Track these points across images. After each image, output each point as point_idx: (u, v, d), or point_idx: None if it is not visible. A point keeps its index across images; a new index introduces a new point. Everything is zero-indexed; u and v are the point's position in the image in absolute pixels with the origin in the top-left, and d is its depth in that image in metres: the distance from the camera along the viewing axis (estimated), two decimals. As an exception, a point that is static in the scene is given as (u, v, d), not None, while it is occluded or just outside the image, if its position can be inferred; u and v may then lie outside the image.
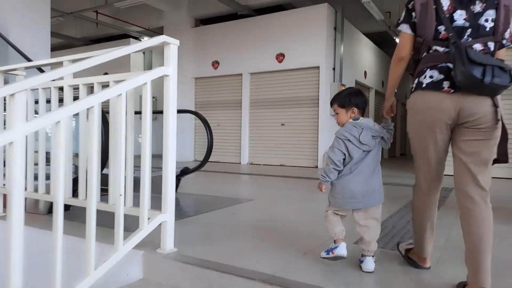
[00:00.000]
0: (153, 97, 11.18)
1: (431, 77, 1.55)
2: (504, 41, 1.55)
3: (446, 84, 1.51)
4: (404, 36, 1.65)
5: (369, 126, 1.76)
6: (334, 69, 8.69)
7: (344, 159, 1.77)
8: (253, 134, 9.31)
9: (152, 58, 11.98)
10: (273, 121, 9.00)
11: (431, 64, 1.56)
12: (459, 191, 1.56)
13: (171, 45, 1.94)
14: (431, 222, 1.72)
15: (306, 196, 4.28)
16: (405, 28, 1.64)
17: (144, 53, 11.83)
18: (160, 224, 1.94)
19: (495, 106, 1.48)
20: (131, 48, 1.93)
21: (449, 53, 1.49)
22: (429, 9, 1.55)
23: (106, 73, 9.87)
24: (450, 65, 1.49)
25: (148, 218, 1.90)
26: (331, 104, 1.88)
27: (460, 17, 1.52)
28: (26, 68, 2.90)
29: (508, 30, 1.55)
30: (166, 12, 9.98)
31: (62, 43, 12.50)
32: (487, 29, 1.51)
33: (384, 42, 11.55)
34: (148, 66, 11.88)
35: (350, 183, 1.76)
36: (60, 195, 1.43)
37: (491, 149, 1.51)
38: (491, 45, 1.53)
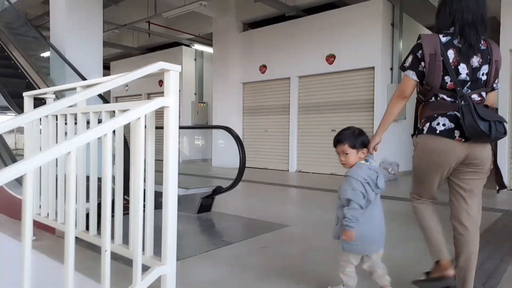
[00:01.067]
0: (203, 103, 11.22)
1: (443, 124, 1.74)
2: (495, 85, 1.82)
3: (457, 134, 1.72)
4: (409, 81, 1.81)
5: (380, 169, 1.79)
6: (391, 69, 7.93)
7: None
8: (302, 141, 8.88)
9: (203, 64, 12.12)
10: (323, 126, 8.48)
11: (441, 112, 1.76)
12: (455, 219, 1.84)
13: (171, 71, 1.69)
14: (438, 224, 1.88)
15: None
16: (411, 75, 1.80)
17: (195, 59, 12.02)
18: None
19: (493, 150, 1.80)
20: (133, 75, 1.74)
21: (455, 102, 1.72)
22: (437, 60, 1.71)
23: (161, 81, 10.10)
24: (458, 113, 1.70)
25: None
26: (338, 143, 1.82)
27: (463, 70, 1.73)
28: (55, 92, 2.88)
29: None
30: (214, 19, 9.96)
31: (120, 53, 13.23)
32: (482, 81, 1.77)
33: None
34: (199, 72, 12.04)
35: (368, 227, 1.73)
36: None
37: (482, 186, 1.84)
38: (484, 94, 1.80)
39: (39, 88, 6.17)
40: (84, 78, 5.57)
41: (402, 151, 8.46)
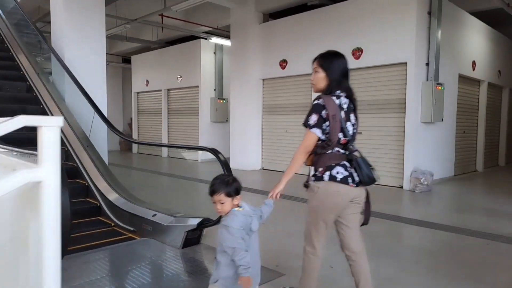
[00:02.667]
0: (223, 99, 10.61)
1: (341, 173, 2.07)
2: None
3: (350, 180, 2.09)
4: (314, 137, 2.09)
5: (255, 213, 1.90)
6: (427, 64, 6.92)
7: None
8: (324, 143, 8.08)
9: (223, 57, 11.52)
10: (348, 128, 7.63)
11: (336, 162, 2.09)
12: (347, 249, 2.21)
13: (44, 128, 1.09)
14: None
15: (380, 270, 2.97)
16: (318, 132, 2.08)
17: (215, 53, 11.44)
18: None
19: (366, 190, 2.23)
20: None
21: (345, 154, 2.11)
22: (337, 121, 2.05)
23: (180, 76, 9.51)
24: (347, 163, 2.09)
25: None
26: (214, 193, 1.84)
27: (350, 127, 2.13)
28: None
29: None
30: (232, 9, 9.28)
31: (140, 47, 12.93)
32: (355, 135, 2.19)
33: (499, 21, 8.97)
34: (219, 67, 11.46)
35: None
36: None
37: (358, 219, 2.25)
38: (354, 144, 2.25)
39: (39, 92, 5.86)
40: (78, 84, 5.16)
41: (437, 157, 7.47)
